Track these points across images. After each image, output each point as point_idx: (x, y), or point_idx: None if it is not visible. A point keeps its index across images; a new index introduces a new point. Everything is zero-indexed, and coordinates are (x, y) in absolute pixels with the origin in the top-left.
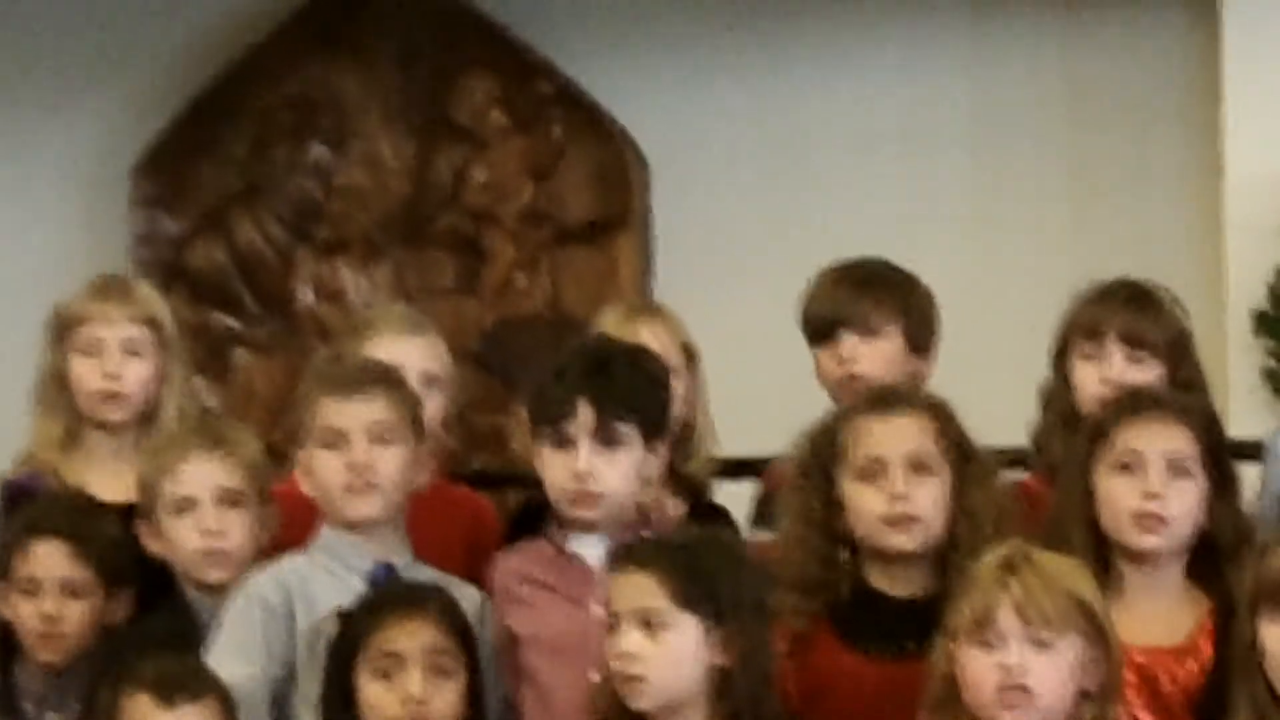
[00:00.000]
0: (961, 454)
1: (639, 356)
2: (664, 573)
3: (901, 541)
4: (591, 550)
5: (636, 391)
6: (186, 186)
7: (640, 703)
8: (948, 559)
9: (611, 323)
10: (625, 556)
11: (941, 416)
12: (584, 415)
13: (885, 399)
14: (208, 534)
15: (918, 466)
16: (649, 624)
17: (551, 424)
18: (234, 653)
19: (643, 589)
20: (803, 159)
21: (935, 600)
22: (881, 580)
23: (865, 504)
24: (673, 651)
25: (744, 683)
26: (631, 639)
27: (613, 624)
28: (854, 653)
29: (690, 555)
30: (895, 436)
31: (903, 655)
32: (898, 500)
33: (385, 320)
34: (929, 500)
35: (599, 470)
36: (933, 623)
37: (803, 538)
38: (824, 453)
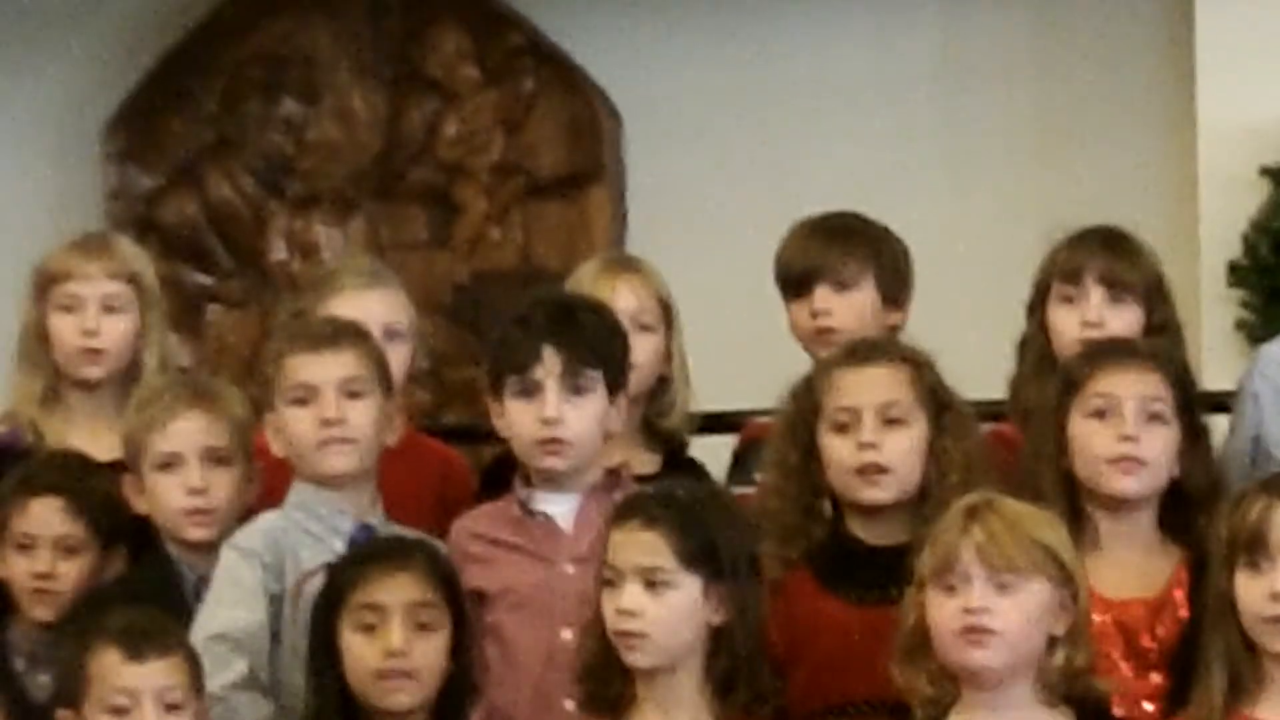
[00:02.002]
0: (938, 404)
1: (600, 307)
2: (671, 532)
3: (873, 494)
4: (559, 509)
5: (601, 340)
6: (158, 141)
7: (639, 660)
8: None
9: (589, 276)
10: (630, 512)
11: (918, 367)
12: (550, 361)
13: (861, 350)
14: (193, 492)
15: (890, 417)
16: (652, 583)
17: (517, 372)
18: (236, 600)
19: (649, 547)
20: (774, 112)
21: (911, 549)
22: (861, 530)
23: (837, 455)
24: (674, 610)
25: (741, 640)
26: (634, 596)
27: (612, 579)
28: (836, 599)
29: (695, 514)
30: (868, 387)
31: (886, 600)
32: (866, 450)
33: (346, 275)
34: (900, 450)
35: (567, 417)
36: (909, 570)
37: (781, 487)
38: (804, 405)
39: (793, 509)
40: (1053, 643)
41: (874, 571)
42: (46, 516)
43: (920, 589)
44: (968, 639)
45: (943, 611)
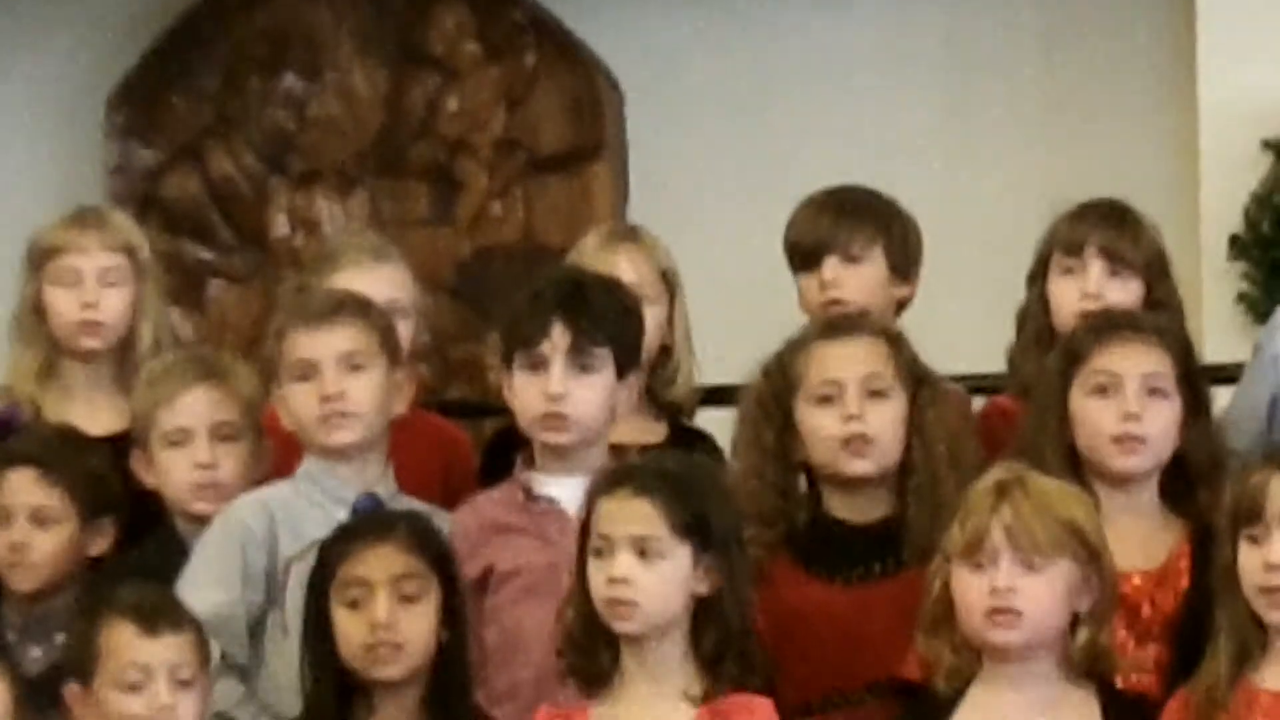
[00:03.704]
0: (915, 378)
1: (613, 285)
2: (664, 501)
3: (858, 466)
4: (564, 492)
5: (611, 317)
6: (160, 118)
7: (629, 628)
8: (904, 483)
9: (589, 248)
10: (620, 481)
11: (894, 341)
12: (558, 337)
13: (839, 325)
14: (201, 467)
15: (873, 390)
16: (644, 551)
17: (525, 346)
18: (210, 579)
19: (641, 516)
20: (777, 87)
21: (893, 524)
22: (840, 508)
23: (821, 427)
24: (666, 579)
25: (731, 611)
26: (626, 564)
27: (602, 547)
28: (819, 581)
29: (686, 484)
30: (851, 360)
31: (868, 578)
32: (852, 422)
33: (348, 251)
34: (884, 423)
35: (572, 393)
36: (893, 545)
37: (758, 467)
38: (779, 382)
39: (770, 490)
40: (1077, 620)
41: (854, 551)
42: (21, 486)
43: (946, 561)
44: (993, 619)
45: (970, 589)
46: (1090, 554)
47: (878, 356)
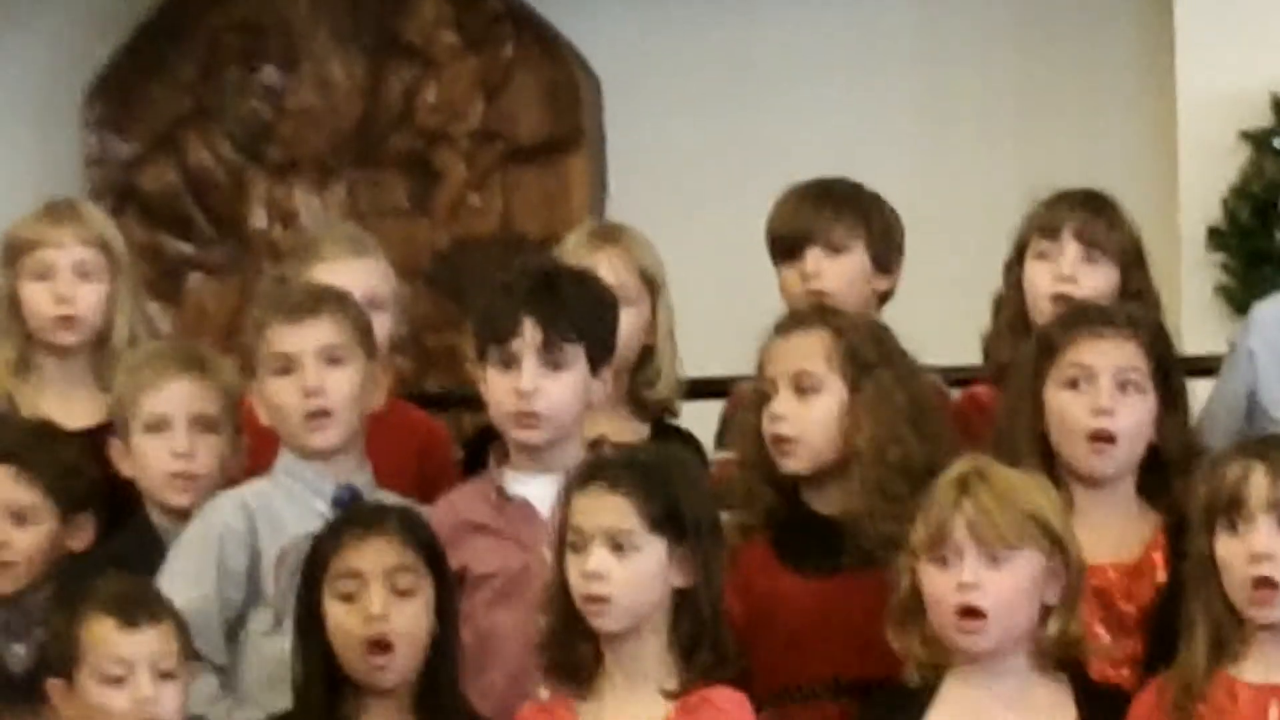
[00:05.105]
0: (859, 368)
1: (586, 278)
2: (636, 494)
3: (786, 464)
4: (536, 491)
5: (583, 312)
6: (137, 109)
7: (606, 624)
8: (862, 473)
9: (570, 248)
10: (593, 475)
11: (840, 331)
12: (530, 333)
13: (786, 320)
14: (178, 456)
15: (801, 387)
16: (619, 545)
17: (497, 343)
18: (185, 575)
19: (614, 510)
20: (754, 77)
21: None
22: (812, 499)
23: (763, 426)
24: (641, 573)
25: (705, 602)
26: (600, 559)
27: (576, 542)
28: (793, 574)
29: (659, 477)
30: (782, 356)
31: (839, 572)
32: (776, 421)
33: (327, 244)
34: (809, 420)
35: (544, 389)
36: (863, 538)
37: (745, 455)
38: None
39: (755, 475)
40: (1046, 611)
41: (826, 542)
42: None
43: (912, 556)
44: (959, 614)
45: (936, 585)
46: (1055, 543)
47: (809, 352)
